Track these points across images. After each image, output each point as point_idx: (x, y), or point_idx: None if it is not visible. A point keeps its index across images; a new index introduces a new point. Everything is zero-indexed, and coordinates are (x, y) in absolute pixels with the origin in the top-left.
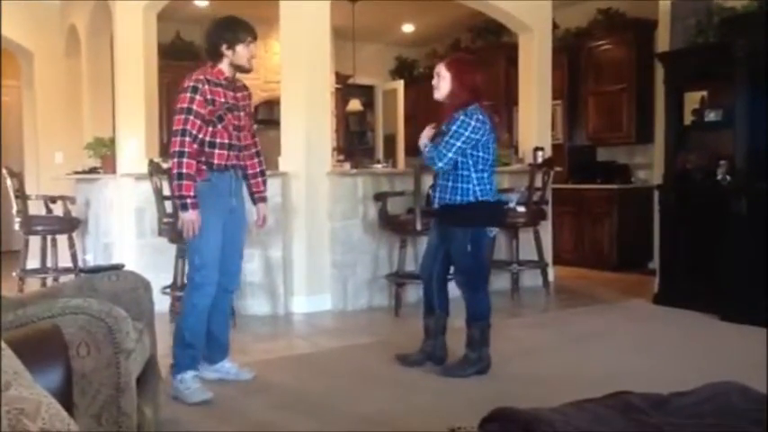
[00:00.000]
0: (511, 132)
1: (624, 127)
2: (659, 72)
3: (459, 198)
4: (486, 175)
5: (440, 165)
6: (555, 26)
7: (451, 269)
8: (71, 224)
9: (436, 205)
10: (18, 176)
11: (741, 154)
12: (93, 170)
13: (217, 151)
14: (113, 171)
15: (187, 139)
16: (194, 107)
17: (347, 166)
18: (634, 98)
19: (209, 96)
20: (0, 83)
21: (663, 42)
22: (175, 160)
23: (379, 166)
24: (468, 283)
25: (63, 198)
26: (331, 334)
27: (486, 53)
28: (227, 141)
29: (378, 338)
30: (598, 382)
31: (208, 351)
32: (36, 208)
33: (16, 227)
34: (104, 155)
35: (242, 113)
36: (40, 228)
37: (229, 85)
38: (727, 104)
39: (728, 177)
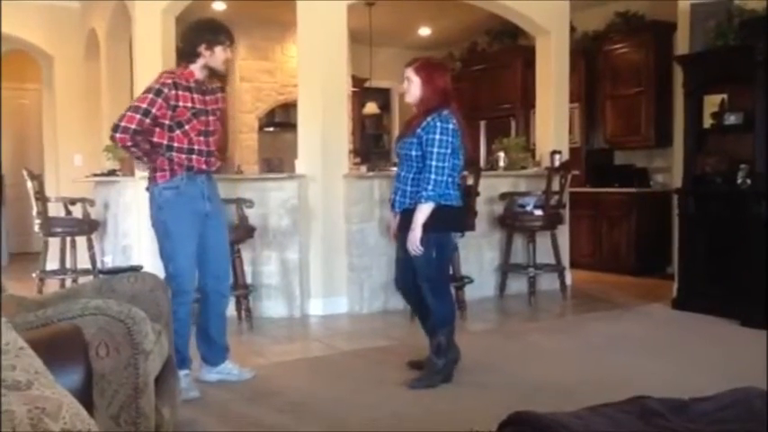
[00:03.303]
0: (528, 135)
1: (642, 130)
2: (678, 75)
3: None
4: (452, 179)
5: (438, 190)
6: (572, 29)
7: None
8: (90, 226)
9: (397, 209)
10: (38, 179)
11: (761, 157)
12: (111, 172)
13: (185, 156)
14: (132, 173)
15: (131, 130)
16: (153, 110)
17: (363, 168)
18: (652, 101)
19: (172, 102)
20: None
21: (682, 45)
22: (117, 135)
23: (395, 168)
24: (433, 290)
25: (82, 200)
26: (347, 337)
27: (503, 56)
28: (185, 146)
29: (393, 342)
30: (616, 387)
31: (208, 354)
32: (55, 210)
33: (36, 228)
34: (123, 157)
35: (211, 118)
36: (59, 229)
37: (198, 88)
38: (747, 108)
39: (748, 181)
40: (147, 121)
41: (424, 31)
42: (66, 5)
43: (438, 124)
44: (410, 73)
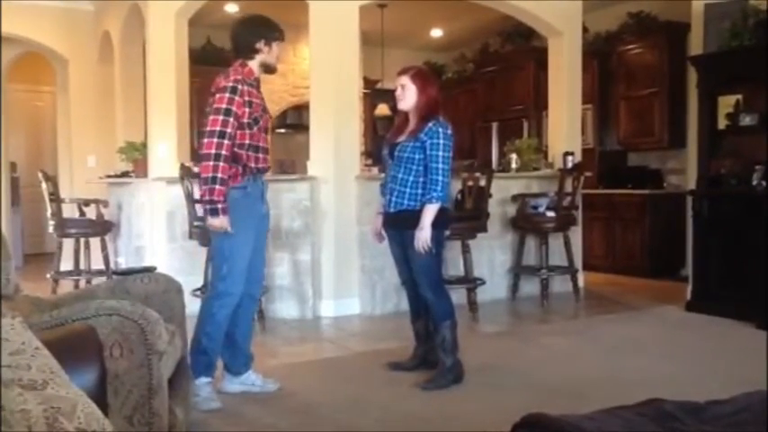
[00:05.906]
0: (540, 137)
1: (656, 131)
2: (692, 76)
3: (418, 204)
4: (448, 181)
5: (445, 191)
6: (585, 30)
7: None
8: (103, 227)
9: (391, 210)
10: (52, 180)
11: None
12: (125, 174)
13: (253, 155)
14: (145, 175)
15: (225, 141)
16: (233, 108)
17: (375, 170)
18: (666, 102)
19: (246, 98)
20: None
21: (696, 45)
22: (210, 163)
23: None
24: (432, 285)
25: (96, 201)
26: (359, 338)
27: (516, 57)
28: (261, 144)
29: (405, 343)
30: (630, 390)
31: (232, 362)
32: (69, 211)
33: (50, 229)
34: (136, 159)
35: (267, 115)
36: (73, 230)
37: (257, 86)
38: (762, 108)
39: (764, 183)
40: (236, 124)
41: (436, 33)
42: (80, 8)
43: (440, 130)
44: (406, 80)
